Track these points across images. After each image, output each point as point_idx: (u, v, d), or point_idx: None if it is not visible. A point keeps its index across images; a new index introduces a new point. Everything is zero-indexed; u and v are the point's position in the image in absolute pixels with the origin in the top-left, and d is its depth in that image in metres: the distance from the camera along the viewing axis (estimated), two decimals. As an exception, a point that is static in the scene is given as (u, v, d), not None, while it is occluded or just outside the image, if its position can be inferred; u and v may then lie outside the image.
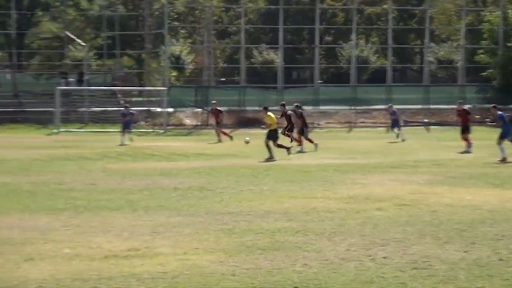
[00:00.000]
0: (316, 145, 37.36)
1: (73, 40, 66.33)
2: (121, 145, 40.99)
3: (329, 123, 60.46)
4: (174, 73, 66.88)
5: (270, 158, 32.18)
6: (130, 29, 73.16)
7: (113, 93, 63.82)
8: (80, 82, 62.04)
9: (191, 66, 67.70)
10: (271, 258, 13.61)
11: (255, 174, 26.99)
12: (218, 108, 45.98)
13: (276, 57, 67.72)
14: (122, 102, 61.25)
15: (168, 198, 21.12)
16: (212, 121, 50.00)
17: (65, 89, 58.33)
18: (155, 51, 67.68)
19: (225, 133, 44.76)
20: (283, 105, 39.57)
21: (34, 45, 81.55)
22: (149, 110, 59.53)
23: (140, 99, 63.31)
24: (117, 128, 52.64)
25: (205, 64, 69.64)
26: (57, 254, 13.85)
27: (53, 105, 53.25)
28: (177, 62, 64.45)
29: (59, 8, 74.30)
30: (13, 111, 56.30)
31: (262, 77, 73.25)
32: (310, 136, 39.04)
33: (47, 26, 79.96)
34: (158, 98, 58.74)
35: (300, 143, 37.46)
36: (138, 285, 11.78)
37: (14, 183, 24.29)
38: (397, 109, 47.22)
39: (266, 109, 34.99)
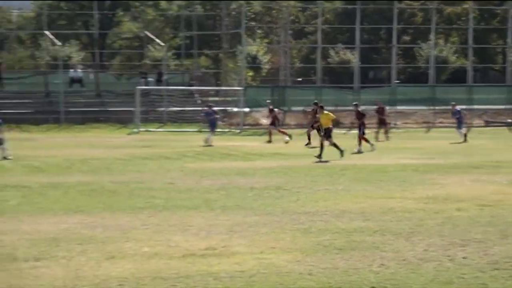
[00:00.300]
0: (372, 145, 37.06)
1: (153, 40, 66.84)
2: (207, 145, 40.39)
3: (406, 123, 59.98)
4: (251, 73, 67.03)
5: (319, 157, 31.84)
6: (207, 29, 73.51)
7: (191, 92, 64.18)
8: (159, 81, 62.45)
9: (267, 66, 67.70)
10: (348, 257, 13.56)
11: (331, 174, 26.90)
12: (271, 107, 45.92)
13: (353, 57, 67.32)
14: (199, 102, 61.61)
15: (245, 198, 21.18)
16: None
17: (145, 89, 58.84)
18: (232, 51, 67.87)
19: (283, 132, 44.53)
20: (356, 105, 39.34)
21: (116, 45, 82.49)
22: (226, 110, 59.67)
23: (217, 98, 63.49)
24: (194, 128, 53.17)
25: (282, 64, 69.58)
26: (137, 253, 14.01)
27: (133, 104, 53.81)
28: (253, 62, 64.50)
29: (139, 8, 75.18)
30: (96, 110, 57.02)
31: (338, 76, 72.87)
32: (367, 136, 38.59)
33: (128, 26, 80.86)
34: (235, 98, 58.98)
35: (360, 142, 37.12)
36: (215, 284, 11.84)
37: (96, 182, 24.62)
38: (469, 109, 46.56)
39: (322, 108, 34.81)
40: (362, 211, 18.51)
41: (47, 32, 62.90)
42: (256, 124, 58.17)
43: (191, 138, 46.35)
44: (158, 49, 65.57)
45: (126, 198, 21.12)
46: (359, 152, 36.03)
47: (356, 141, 37.16)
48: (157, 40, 66.41)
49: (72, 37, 69.65)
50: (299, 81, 76.97)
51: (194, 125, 54.98)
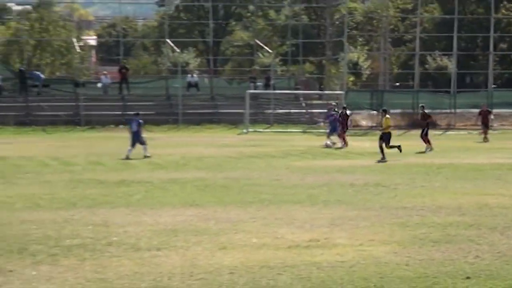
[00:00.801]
0: (430, 147, 36.27)
1: (262, 47, 67.17)
2: (327, 147, 38.88)
3: (503, 125, 58.65)
4: (352, 78, 66.80)
5: (382, 159, 31.19)
6: (312, 37, 73.52)
7: (296, 96, 64.26)
8: (266, 86, 62.68)
9: (367, 72, 67.36)
10: (444, 250, 13.42)
11: (428, 172, 26.62)
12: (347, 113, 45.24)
13: (450, 63, 66.31)
14: (303, 104, 61.73)
15: (345, 193, 21.13)
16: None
17: (254, 93, 59.12)
18: (334, 58, 67.71)
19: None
20: (423, 107, 38.71)
21: (228, 52, 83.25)
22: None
23: (320, 102, 63.46)
24: (299, 129, 53.25)
25: (381, 69, 69.14)
26: (246, 244, 14.12)
27: (243, 107, 54.10)
28: (354, 68, 64.26)
29: (250, 18, 75.70)
30: (210, 112, 57.59)
31: (435, 82, 71.89)
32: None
33: (240, 35, 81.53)
34: (337, 101, 58.76)
35: (425, 143, 36.40)
36: (318, 273, 11.86)
37: (210, 178, 24.88)
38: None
39: (385, 112, 33.97)
40: (458, 207, 18.27)
41: (168, 40, 63.83)
42: (356, 126, 57.73)
43: (296, 138, 46.40)
44: (267, 56, 65.84)
45: (236, 193, 21.29)
46: (428, 150, 35.73)
47: (421, 142, 36.80)
48: (266, 48, 66.70)
49: (190, 44, 70.51)
50: (397, 85, 76.28)
51: (299, 126, 55.16)
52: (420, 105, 39.98)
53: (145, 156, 31.73)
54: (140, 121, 33.32)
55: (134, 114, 34.25)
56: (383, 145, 31.99)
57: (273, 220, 16.74)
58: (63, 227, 15.65)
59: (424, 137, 36.63)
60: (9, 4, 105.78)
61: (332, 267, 12.22)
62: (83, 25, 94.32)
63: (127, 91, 59.52)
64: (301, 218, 16.93)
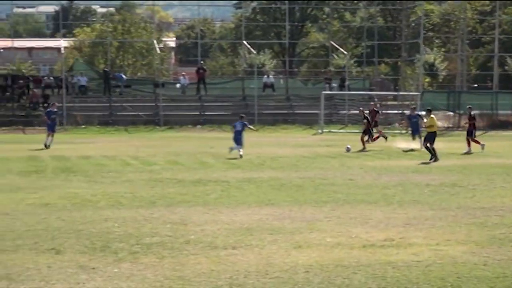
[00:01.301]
0: (483, 145, 35.24)
1: (337, 49, 66.98)
2: (409, 151, 36.72)
3: None
4: (428, 79, 66.10)
5: (433, 159, 30.28)
6: (388, 39, 72.94)
7: (370, 97, 63.83)
8: (341, 87, 62.52)
9: (444, 73, 66.51)
10: (524, 250, 13.19)
11: (508, 172, 26.13)
12: (376, 109, 44.42)
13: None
14: (378, 105, 61.28)
15: (421, 193, 20.89)
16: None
17: (329, 93, 58.98)
18: (410, 59, 67.03)
19: (380, 133, 42.72)
20: (470, 108, 37.78)
21: (303, 54, 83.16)
22: (403, 113, 59.07)
23: (395, 103, 62.96)
24: (373, 129, 52.72)
25: (458, 71, 68.18)
26: (321, 243, 14.07)
27: (318, 107, 54.00)
28: (430, 69, 63.52)
29: (326, 20, 75.52)
30: (285, 113, 57.65)
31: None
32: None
33: (315, 36, 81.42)
34: (412, 102, 58.12)
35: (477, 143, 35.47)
36: (393, 272, 11.75)
37: (285, 178, 24.85)
38: None
39: (430, 111, 32.90)
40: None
41: (244, 42, 64.07)
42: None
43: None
44: (342, 57, 65.62)
45: (311, 193, 21.22)
46: (468, 153, 34.75)
47: (468, 144, 35.66)
48: (341, 49, 66.45)
49: (266, 46, 70.66)
50: (475, 87, 75.06)
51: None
52: (468, 106, 39.18)
53: (241, 156, 32.07)
54: (245, 122, 33.90)
55: (240, 116, 34.71)
56: (428, 144, 31.09)
57: (347, 219, 16.65)
58: (143, 225, 15.81)
59: (473, 139, 35.78)
60: (94, 7, 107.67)
61: (407, 267, 12.10)
62: (163, 27, 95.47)
63: (204, 91, 59.95)
64: (376, 218, 16.81)
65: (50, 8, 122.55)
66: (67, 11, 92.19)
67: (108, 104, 57.39)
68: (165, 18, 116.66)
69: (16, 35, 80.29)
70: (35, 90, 56.73)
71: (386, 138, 41.02)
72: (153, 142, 41.74)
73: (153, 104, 57.70)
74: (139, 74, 76.95)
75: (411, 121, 38.70)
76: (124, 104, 56.91)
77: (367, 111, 40.19)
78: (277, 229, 15.49)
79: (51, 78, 61.06)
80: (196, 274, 11.69)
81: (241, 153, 31.95)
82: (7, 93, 56.38)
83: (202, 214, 17.41)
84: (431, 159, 30.44)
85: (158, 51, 67.24)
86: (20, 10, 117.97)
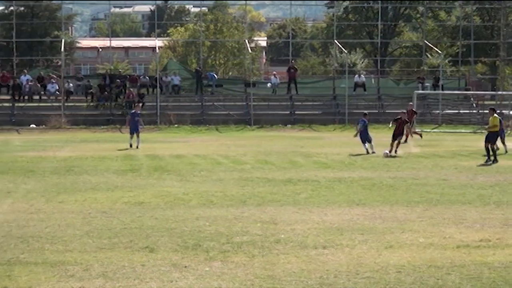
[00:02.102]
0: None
1: (431, 48, 66.15)
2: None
3: None
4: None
5: (490, 161, 29.08)
6: (485, 38, 71.64)
7: (466, 96, 62.99)
8: (435, 86, 61.70)
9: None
10: None
11: None
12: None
13: None
14: (474, 105, 60.36)
15: (520, 194, 20.49)
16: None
17: (421, 93, 58.33)
18: (509, 59, 65.72)
19: (415, 132, 41.88)
20: (493, 109, 35.91)
21: (396, 53, 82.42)
22: (502, 112, 58.02)
23: (492, 102, 61.82)
24: (469, 129, 51.99)
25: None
26: (413, 243, 13.94)
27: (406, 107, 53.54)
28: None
29: (420, 19, 74.68)
30: (376, 112, 57.23)
31: None
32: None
33: (408, 36, 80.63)
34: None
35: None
36: (489, 273, 11.58)
37: (376, 177, 24.69)
38: None
39: (493, 111, 31.42)
40: None
41: (336, 41, 63.91)
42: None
43: (466, 138, 45.28)
44: (436, 56, 64.67)
45: (403, 193, 21.03)
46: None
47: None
48: (435, 48, 65.55)
49: (357, 45, 70.34)
50: None
51: (469, 127, 53.99)
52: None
53: (372, 152, 32.40)
54: (366, 120, 34.21)
55: (363, 114, 35.12)
56: (489, 145, 29.84)
57: (440, 219, 16.45)
58: (234, 224, 15.92)
59: (502, 140, 34.19)
60: (187, 6, 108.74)
61: (504, 268, 11.92)
62: (255, 27, 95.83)
63: (295, 91, 59.98)
64: (471, 218, 16.57)
65: (146, 8, 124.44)
66: (162, 11, 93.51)
67: (200, 103, 57.95)
68: (256, 17, 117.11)
69: (114, 34, 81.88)
70: (131, 89, 57.64)
71: (421, 135, 41.59)
72: (244, 141, 41.94)
73: (244, 103, 58.00)
74: (230, 73, 77.50)
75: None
76: (215, 103, 57.40)
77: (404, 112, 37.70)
78: (368, 229, 15.42)
79: (146, 77, 61.97)
80: (287, 273, 11.71)
81: (373, 150, 32.55)
82: (106, 92, 57.42)
83: (292, 213, 17.43)
84: (489, 160, 29.37)
85: (250, 51, 67.48)
86: (117, 10, 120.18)
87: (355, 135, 34.78)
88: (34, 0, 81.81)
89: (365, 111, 37.10)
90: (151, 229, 15.29)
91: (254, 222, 16.16)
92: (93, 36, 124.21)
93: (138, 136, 37.13)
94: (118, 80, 58.54)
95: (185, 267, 12.10)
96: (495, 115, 30.96)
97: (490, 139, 30.06)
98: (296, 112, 56.58)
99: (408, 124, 36.81)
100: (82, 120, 54.81)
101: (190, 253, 13.09)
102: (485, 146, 30.00)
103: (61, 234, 14.73)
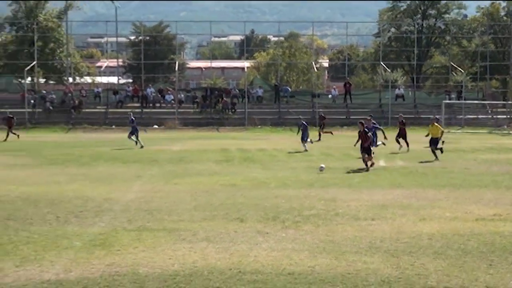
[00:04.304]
0: None
1: (455, 68, 64.91)
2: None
3: None
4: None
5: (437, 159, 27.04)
6: (498, 60, 69.72)
7: (483, 105, 62.07)
8: (459, 97, 60.86)
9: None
10: None
11: None
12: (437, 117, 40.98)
13: None
14: (489, 112, 59.53)
15: (524, 181, 19.95)
16: None
17: (448, 102, 57.57)
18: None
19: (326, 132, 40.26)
20: (436, 119, 33.77)
21: (428, 72, 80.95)
22: (511, 118, 56.86)
23: (504, 110, 60.78)
24: (485, 130, 51.01)
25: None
26: (441, 216, 13.73)
27: (439, 113, 52.59)
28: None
29: (447, 46, 73.53)
30: (413, 117, 56.43)
31: None
32: None
33: (438, 59, 79.15)
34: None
35: None
36: (501, 240, 11.40)
37: (411, 167, 24.48)
38: None
39: (436, 120, 29.35)
40: None
41: (381, 63, 63.35)
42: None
43: (483, 137, 44.32)
44: (459, 74, 63.54)
45: (433, 178, 20.72)
46: None
47: None
48: (459, 68, 64.34)
49: (398, 66, 69.45)
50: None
51: (485, 128, 53.24)
52: None
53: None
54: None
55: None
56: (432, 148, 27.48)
57: (463, 199, 16.16)
58: (303, 201, 15.92)
59: None
60: (268, 36, 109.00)
61: (512, 236, 11.67)
62: (319, 52, 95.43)
63: (350, 101, 59.80)
64: (487, 198, 16.25)
65: (238, 38, 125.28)
66: (250, 40, 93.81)
67: (277, 110, 58.11)
68: (320, 45, 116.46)
69: (213, 58, 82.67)
70: (225, 99, 58.16)
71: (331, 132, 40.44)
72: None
73: (311, 110, 57.90)
74: (300, 87, 77.34)
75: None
76: (289, 109, 57.38)
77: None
78: (406, 205, 15.24)
79: (237, 90, 62.48)
80: (343, 238, 11.68)
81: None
82: (207, 101, 58.18)
83: (348, 193, 17.35)
84: (436, 159, 26.90)
85: (315, 70, 67.40)
86: (216, 39, 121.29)
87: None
88: (160, 33, 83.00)
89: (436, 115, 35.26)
90: (241, 205, 15.40)
91: (319, 200, 16.13)
92: (198, 59, 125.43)
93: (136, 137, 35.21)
94: (216, 92, 59.17)
95: (267, 233, 12.15)
96: (435, 123, 28.51)
97: (432, 143, 27.69)
98: (350, 117, 56.13)
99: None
100: (190, 122, 55.47)
101: (270, 223, 13.14)
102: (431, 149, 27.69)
103: (175, 208, 14.95)
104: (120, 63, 75.66)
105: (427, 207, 15.04)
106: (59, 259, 9.89)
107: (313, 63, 69.07)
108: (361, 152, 23.97)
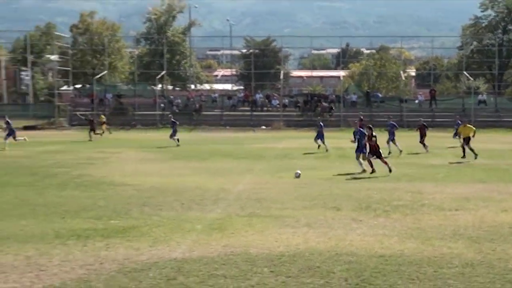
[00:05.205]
0: None
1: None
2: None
3: None
4: None
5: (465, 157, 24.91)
6: None
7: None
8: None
9: None
10: None
11: None
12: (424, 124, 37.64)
13: None
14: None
15: None
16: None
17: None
18: None
19: None
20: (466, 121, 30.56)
21: (509, 80, 77.21)
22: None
23: None
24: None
25: None
26: (520, 210, 13.10)
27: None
28: None
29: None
30: (494, 120, 54.22)
31: None
32: None
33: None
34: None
35: None
36: None
37: (493, 164, 23.37)
38: None
39: (467, 122, 26.97)
40: None
41: (464, 72, 61.14)
42: None
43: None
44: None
45: (513, 175, 19.77)
46: None
47: None
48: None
49: (480, 75, 66.84)
50: None
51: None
52: None
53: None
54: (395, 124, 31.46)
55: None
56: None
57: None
58: (392, 193, 15.60)
59: None
60: (362, 49, 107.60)
61: None
62: (407, 62, 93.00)
63: (435, 105, 58.06)
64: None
65: (334, 50, 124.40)
66: (345, 52, 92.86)
67: (369, 113, 57.16)
68: (408, 56, 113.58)
69: (313, 68, 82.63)
70: (323, 103, 57.91)
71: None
72: (399, 139, 40.81)
73: (399, 113, 56.59)
74: (389, 93, 75.82)
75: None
76: (380, 113, 56.30)
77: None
78: (488, 198, 14.63)
79: (334, 96, 62.14)
80: (429, 226, 11.37)
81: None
82: (308, 105, 58.24)
83: (433, 187, 16.83)
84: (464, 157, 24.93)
85: (403, 78, 65.83)
86: (316, 51, 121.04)
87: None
88: (267, 46, 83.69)
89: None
90: (337, 196, 15.28)
91: (406, 192, 15.76)
92: (300, 69, 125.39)
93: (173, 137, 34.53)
94: (315, 97, 59.06)
95: (360, 220, 12.00)
96: (467, 125, 26.66)
97: (466, 142, 25.63)
98: (435, 120, 54.41)
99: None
100: (293, 123, 55.49)
101: (363, 212, 12.97)
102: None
103: (280, 197, 14.99)
104: (234, 73, 76.98)
105: (508, 199, 14.40)
106: (184, 240, 10.14)
107: (401, 72, 67.45)
108: (368, 154, 20.46)
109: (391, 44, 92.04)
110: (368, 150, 20.39)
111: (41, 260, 8.75)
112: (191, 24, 70.77)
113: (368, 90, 62.04)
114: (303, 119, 56.58)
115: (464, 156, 25.38)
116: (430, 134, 44.72)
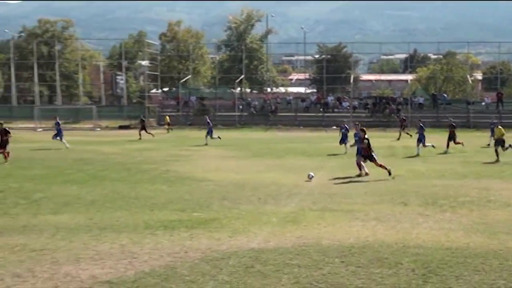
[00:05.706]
0: None
1: None
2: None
3: None
4: None
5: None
6: None
7: None
8: None
9: None
10: None
11: None
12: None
13: None
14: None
15: None
16: None
17: None
18: None
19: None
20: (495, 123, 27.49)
21: None
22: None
23: None
24: None
25: None
26: None
27: None
28: None
29: None
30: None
31: None
32: None
33: None
34: None
35: None
36: None
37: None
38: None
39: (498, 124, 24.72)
40: None
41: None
42: None
43: None
44: None
45: None
46: None
47: None
48: None
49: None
50: None
51: None
52: None
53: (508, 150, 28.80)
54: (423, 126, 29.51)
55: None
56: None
57: None
58: (459, 190, 15.10)
59: None
60: (429, 54, 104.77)
61: None
62: (473, 67, 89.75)
63: (501, 107, 55.71)
64: None
65: (402, 56, 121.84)
66: (413, 57, 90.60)
67: (436, 115, 55.55)
68: (475, 61, 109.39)
69: (382, 72, 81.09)
70: (392, 105, 56.81)
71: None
72: (462, 139, 39.31)
73: (465, 115, 54.66)
74: (456, 96, 73.37)
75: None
76: (446, 114, 54.50)
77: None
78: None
79: (401, 98, 60.91)
80: (495, 221, 10.93)
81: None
82: (376, 107, 57.44)
83: (499, 184, 16.20)
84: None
85: (470, 82, 63.51)
86: (385, 57, 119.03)
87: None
88: (338, 52, 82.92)
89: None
90: (404, 191, 14.94)
91: (472, 189, 15.21)
92: (370, 73, 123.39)
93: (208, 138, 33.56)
94: (384, 100, 58.02)
95: (427, 215, 11.69)
96: (499, 127, 24.96)
97: (498, 144, 23.97)
98: (502, 120, 52.10)
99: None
100: (362, 124, 54.52)
101: (430, 207, 12.62)
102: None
103: (350, 193, 14.76)
104: (307, 77, 76.75)
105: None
106: (261, 232, 10.19)
107: (468, 76, 65.10)
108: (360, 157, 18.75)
109: (458, 50, 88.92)
110: (361, 152, 18.44)
111: (134, 248, 9.00)
112: (268, 32, 71.32)
113: (435, 93, 60.29)
114: (372, 120, 55.60)
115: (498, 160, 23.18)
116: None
